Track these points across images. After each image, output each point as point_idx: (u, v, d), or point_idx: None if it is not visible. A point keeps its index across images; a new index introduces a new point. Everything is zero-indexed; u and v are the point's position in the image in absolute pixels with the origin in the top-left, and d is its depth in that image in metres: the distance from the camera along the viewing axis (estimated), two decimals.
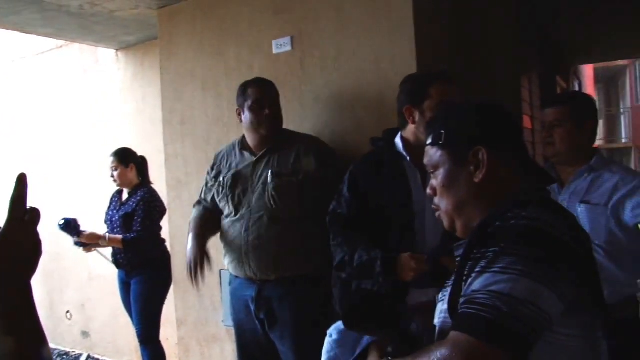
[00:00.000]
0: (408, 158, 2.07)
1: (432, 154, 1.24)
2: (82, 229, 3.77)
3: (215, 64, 3.22)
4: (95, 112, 5.01)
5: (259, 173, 2.55)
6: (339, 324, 1.72)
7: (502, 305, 0.95)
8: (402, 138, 2.13)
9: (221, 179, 2.65)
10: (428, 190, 1.27)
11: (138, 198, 3.84)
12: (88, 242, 3.78)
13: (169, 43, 3.44)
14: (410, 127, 2.09)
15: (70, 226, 3.72)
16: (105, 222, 4.00)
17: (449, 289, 1.15)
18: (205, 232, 2.70)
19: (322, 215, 2.57)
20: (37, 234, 0.85)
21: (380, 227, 2.04)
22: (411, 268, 1.87)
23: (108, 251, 3.99)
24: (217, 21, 3.20)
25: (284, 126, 2.68)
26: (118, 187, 4.00)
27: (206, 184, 2.78)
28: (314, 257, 2.54)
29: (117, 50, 4.68)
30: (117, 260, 3.92)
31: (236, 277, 2.66)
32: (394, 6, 2.58)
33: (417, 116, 2.05)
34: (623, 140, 21.79)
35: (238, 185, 2.58)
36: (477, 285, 1.00)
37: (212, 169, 2.75)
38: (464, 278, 1.06)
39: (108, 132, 4.87)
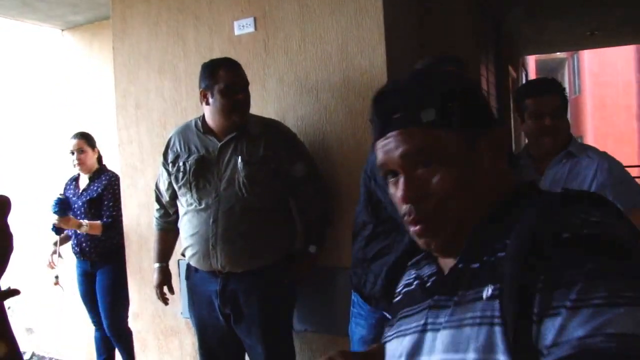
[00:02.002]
0: None
1: (427, 136, 0.86)
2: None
3: (172, 46, 3.07)
4: (41, 95, 4.76)
5: (226, 159, 2.39)
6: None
7: (635, 350, 0.65)
8: None
9: (181, 163, 2.45)
10: (405, 194, 0.88)
11: (104, 182, 3.71)
12: (65, 228, 3.61)
13: (122, 23, 3.26)
14: None
15: (65, 204, 3.55)
16: None
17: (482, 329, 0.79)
18: (168, 259, 2.72)
19: (286, 205, 2.52)
20: (7, 226, 0.74)
21: None
22: None
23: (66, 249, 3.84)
24: (174, 1, 3.06)
25: None
26: (77, 173, 3.84)
27: (162, 174, 2.59)
28: (280, 247, 2.48)
29: (63, 30, 4.44)
30: (82, 250, 3.76)
31: (196, 270, 2.51)
32: None
33: None
34: None
35: (202, 171, 2.41)
36: (579, 329, 0.68)
37: (167, 154, 2.55)
38: (533, 317, 0.73)
39: (54, 116, 4.64)
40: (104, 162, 3.90)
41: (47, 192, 4.22)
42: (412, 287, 1.02)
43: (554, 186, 2.19)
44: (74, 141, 3.76)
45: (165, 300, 2.71)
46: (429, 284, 0.97)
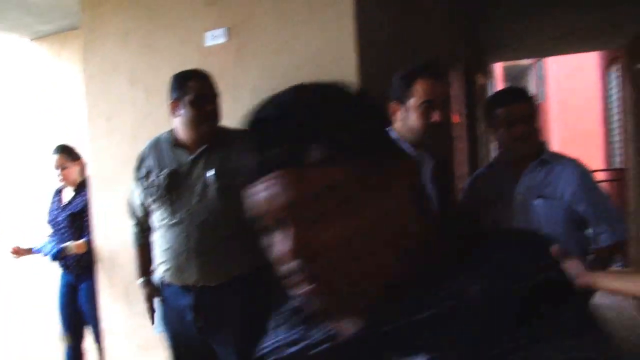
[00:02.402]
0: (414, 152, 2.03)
1: (321, 177, 0.67)
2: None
3: (143, 57, 3.05)
4: (11, 105, 4.68)
5: (197, 173, 2.37)
6: None
7: None
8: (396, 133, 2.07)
9: (154, 178, 2.43)
10: (294, 249, 0.68)
11: (88, 196, 3.64)
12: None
13: (91, 33, 3.22)
14: (398, 125, 2.05)
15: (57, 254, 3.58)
16: (49, 222, 3.79)
17: None
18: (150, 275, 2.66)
19: None
20: None
21: None
22: None
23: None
24: (145, 12, 3.03)
25: None
26: (61, 186, 3.80)
27: (135, 190, 2.55)
28: (255, 256, 2.46)
29: (31, 40, 4.37)
30: (66, 263, 3.71)
31: (168, 285, 2.48)
32: None
33: (401, 114, 2.02)
34: None
35: (174, 185, 2.39)
36: None
37: (139, 170, 2.51)
38: None
39: (23, 126, 4.57)
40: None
41: (20, 204, 4.14)
42: (286, 354, 0.80)
43: (529, 193, 2.25)
44: (55, 157, 3.71)
45: (152, 315, 2.65)
46: (318, 353, 0.75)
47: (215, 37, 2.83)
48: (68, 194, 3.80)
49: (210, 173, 2.34)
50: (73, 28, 3.70)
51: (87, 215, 3.62)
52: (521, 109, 2.25)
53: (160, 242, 2.46)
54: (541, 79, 20.57)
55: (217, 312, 2.39)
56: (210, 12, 2.83)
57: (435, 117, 1.97)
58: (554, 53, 8.81)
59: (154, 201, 2.44)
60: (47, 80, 4.45)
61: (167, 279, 2.46)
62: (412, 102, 1.99)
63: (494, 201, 2.35)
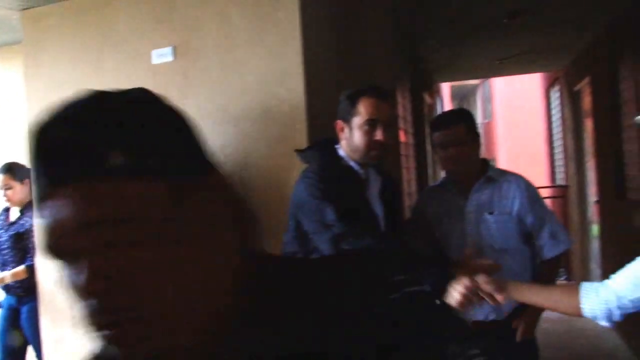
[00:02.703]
0: (362, 175, 2.07)
1: (117, 192, 0.56)
2: None
3: (89, 74, 3.00)
4: None
5: None
6: None
7: None
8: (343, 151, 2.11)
9: None
10: (90, 284, 0.56)
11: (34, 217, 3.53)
12: None
13: (34, 48, 3.15)
14: (343, 144, 2.08)
15: None
16: None
17: None
18: None
19: None
20: None
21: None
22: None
23: None
24: (92, 27, 2.98)
25: None
26: (7, 206, 3.70)
27: None
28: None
29: None
30: (7, 285, 3.61)
31: None
32: (281, 19, 2.56)
33: (346, 132, 2.05)
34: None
35: None
36: None
37: None
38: None
39: None
40: None
41: None
42: None
43: (480, 209, 2.36)
44: (0, 176, 3.61)
45: None
46: None
47: (161, 56, 2.82)
48: (15, 213, 3.70)
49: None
50: (16, 42, 3.60)
51: (32, 236, 3.53)
52: (453, 132, 2.35)
53: None
54: (488, 99, 21.17)
55: None
56: (157, 29, 2.82)
57: (379, 135, 2.00)
58: (499, 74, 9.09)
59: None
60: None
61: None
62: (356, 120, 2.02)
63: (443, 217, 2.44)
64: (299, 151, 2.19)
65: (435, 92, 8.00)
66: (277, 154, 2.57)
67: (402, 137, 4.35)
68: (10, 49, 3.97)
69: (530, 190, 2.40)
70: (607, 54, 5.15)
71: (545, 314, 2.39)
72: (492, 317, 2.32)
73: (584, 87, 6.39)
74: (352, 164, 2.06)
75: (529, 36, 5.33)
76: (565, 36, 5.44)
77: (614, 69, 4.92)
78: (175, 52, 2.79)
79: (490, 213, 2.34)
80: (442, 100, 9.20)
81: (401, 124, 4.33)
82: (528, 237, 2.37)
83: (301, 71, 2.53)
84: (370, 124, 1.99)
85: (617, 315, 1.59)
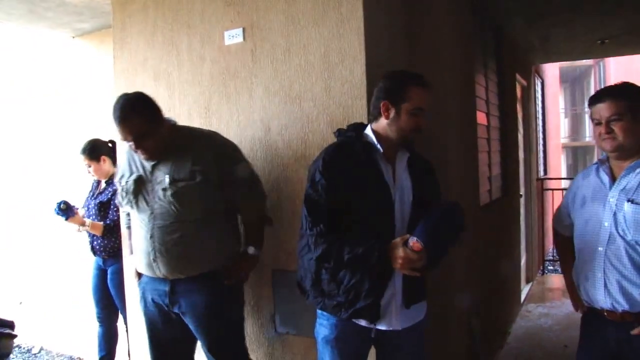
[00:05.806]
0: (381, 150, 2.13)
1: None
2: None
3: (166, 55, 3.19)
4: (56, 100, 4.94)
5: (158, 178, 2.54)
6: None
7: None
8: (373, 130, 2.17)
9: (124, 182, 2.62)
10: None
11: (115, 187, 3.84)
12: (72, 223, 3.85)
13: (121, 32, 3.40)
14: (382, 122, 2.14)
15: (69, 208, 3.78)
16: (83, 207, 4.08)
17: None
18: None
19: (230, 211, 2.66)
20: None
21: (355, 215, 2.06)
22: (408, 259, 1.94)
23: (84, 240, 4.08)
24: (169, 11, 3.17)
25: (231, 117, 2.70)
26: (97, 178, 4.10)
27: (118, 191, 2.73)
28: (221, 252, 2.61)
29: (73, 37, 4.60)
30: (92, 247, 4.01)
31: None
32: (343, 0, 2.59)
33: (392, 113, 2.11)
34: (587, 139, 22.29)
35: (140, 190, 2.57)
36: None
37: (117, 172, 2.76)
38: None
39: (70, 120, 4.82)
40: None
41: (56, 193, 4.38)
42: None
43: (622, 196, 2.17)
44: (81, 157, 3.99)
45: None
46: None
47: (233, 37, 2.93)
48: (102, 185, 4.05)
49: (166, 177, 2.50)
50: (109, 26, 3.86)
51: (112, 204, 3.88)
52: (608, 108, 2.19)
53: (134, 239, 2.68)
54: (602, 81, 19.90)
55: (187, 302, 2.55)
56: (229, 12, 2.94)
57: (422, 122, 2.12)
58: (601, 55, 8.51)
59: (125, 205, 2.64)
60: (87, 75, 4.68)
61: (141, 270, 2.66)
62: (406, 106, 2.09)
63: (587, 200, 2.31)
64: (335, 133, 2.29)
65: (534, 73, 7.64)
66: None
67: (482, 119, 4.23)
68: (106, 31, 4.25)
69: None
70: None
71: None
72: (623, 308, 2.15)
73: None
74: (371, 139, 2.15)
75: (630, 15, 4.96)
76: None
77: None
78: (244, 33, 2.89)
79: (631, 201, 2.13)
80: (543, 82, 8.76)
81: (482, 106, 4.20)
82: None
83: (362, 52, 2.55)
84: (418, 112, 2.10)
85: None
